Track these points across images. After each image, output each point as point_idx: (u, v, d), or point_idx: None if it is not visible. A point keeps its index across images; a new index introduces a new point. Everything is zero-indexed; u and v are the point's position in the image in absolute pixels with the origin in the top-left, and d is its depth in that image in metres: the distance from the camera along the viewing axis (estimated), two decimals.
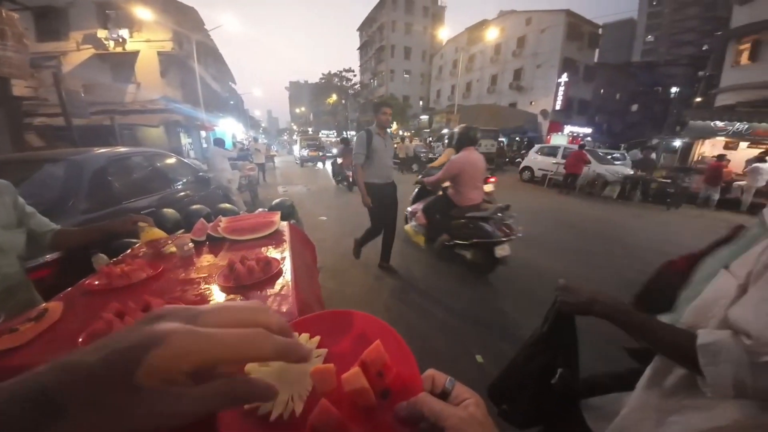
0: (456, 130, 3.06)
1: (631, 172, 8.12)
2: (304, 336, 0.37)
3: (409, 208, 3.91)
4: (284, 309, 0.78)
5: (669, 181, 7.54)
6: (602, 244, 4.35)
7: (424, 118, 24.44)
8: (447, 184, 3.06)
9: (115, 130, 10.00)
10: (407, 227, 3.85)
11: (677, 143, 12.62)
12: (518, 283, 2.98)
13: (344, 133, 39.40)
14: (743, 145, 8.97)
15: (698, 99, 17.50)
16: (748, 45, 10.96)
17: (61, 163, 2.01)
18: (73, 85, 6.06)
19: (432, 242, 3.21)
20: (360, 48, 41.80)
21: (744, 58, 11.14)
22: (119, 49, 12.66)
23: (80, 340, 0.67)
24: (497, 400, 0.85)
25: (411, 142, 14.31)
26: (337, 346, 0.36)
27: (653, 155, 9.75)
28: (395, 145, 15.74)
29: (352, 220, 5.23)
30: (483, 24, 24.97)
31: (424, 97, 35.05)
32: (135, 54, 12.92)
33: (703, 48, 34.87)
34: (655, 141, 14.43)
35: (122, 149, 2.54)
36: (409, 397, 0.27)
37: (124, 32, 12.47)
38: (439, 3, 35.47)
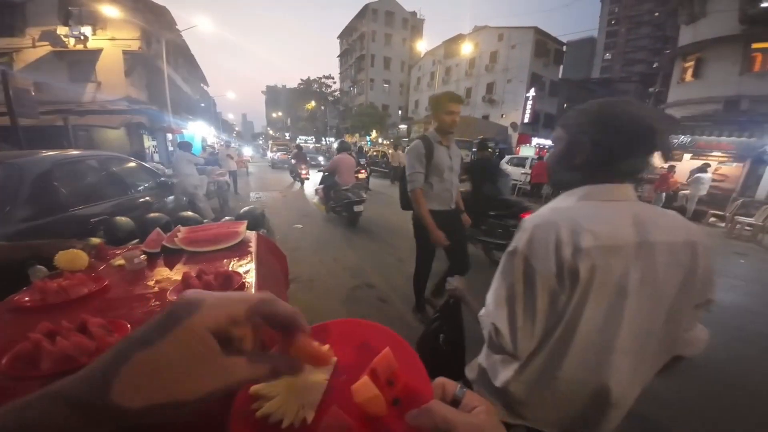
0: (336, 143, 5.57)
1: None
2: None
3: (316, 188, 6.36)
4: None
5: None
6: None
7: (403, 127, 24.92)
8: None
9: (68, 131, 9.24)
10: (314, 201, 6.75)
11: None
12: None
13: (323, 139, 39.10)
14: (687, 156, 9.94)
15: None
16: (692, 63, 12.01)
17: None
18: (22, 83, 5.53)
19: (326, 206, 5.65)
20: (340, 56, 42.04)
21: (688, 75, 12.22)
22: (80, 47, 11.81)
23: (2, 362, 0.60)
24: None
25: (399, 150, 12.49)
26: (346, 355, 0.36)
27: None
28: (382, 153, 15.76)
29: (328, 229, 5.15)
30: (459, 38, 26.06)
31: (403, 107, 35.75)
32: (97, 52, 12.11)
33: (654, 65, 38.44)
34: None
35: (72, 152, 2.35)
36: (420, 405, 0.27)
37: (86, 29, 11.66)
38: (418, 15, 36.68)
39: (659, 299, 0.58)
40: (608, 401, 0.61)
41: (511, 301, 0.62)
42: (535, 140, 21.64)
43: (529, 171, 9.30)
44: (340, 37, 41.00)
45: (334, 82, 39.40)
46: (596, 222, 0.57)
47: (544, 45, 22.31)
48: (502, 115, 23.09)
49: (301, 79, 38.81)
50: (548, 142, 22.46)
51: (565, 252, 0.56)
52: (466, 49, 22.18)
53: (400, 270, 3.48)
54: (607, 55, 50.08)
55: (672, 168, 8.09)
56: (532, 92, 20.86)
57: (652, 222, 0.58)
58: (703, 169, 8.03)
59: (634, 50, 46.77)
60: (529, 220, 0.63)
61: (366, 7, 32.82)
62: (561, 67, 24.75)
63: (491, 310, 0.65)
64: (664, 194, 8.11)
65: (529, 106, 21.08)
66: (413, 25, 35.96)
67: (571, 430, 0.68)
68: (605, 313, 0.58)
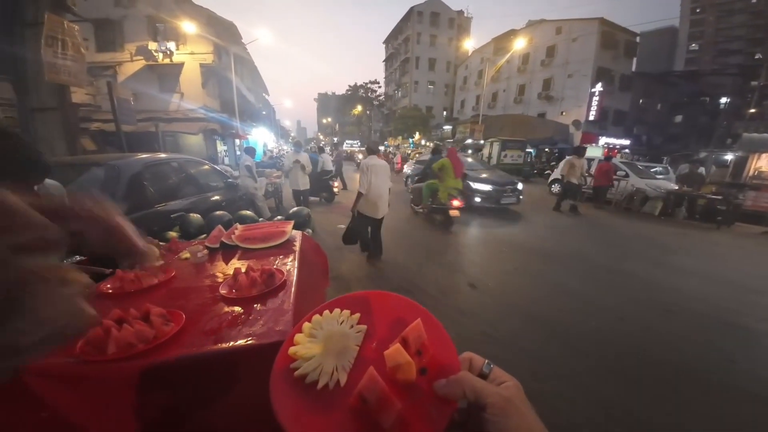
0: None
1: (675, 187, 7.46)
2: (346, 312, 0.38)
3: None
4: (278, 328, 0.74)
5: (720, 197, 6.83)
6: (639, 264, 3.96)
7: (447, 128, 24.29)
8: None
9: (159, 136, 10.79)
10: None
11: (729, 157, 11.49)
12: (533, 299, 2.78)
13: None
14: None
15: (752, 110, 15.91)
16: None
17: (103, 167, 2.16)
18: (124, 94, 6.59)
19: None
20: (385, 60, 42.75)
21: None
22: (167, 61, 13.69)
23: (77, 347, 0.66)
24: (346, 241, 3.60)
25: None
26: (377, 325, 0.37)
27: (701, 169, 8.91)
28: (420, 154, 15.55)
29: None
30: (510, 34, 24.61)
31: (448, 108, 34.93)
32: (180, 65, 13.97)
33: (755, 57, 32.11)
34: (703, 154, 13.25)
35: (159, 155, 2.70)
36: (446, 377, 0.28)
37: (171, 45, 13.45)
38: (465, 14, 35.59)
39: (385, 175, 3.40)
40: (384, 196, 3.43)
41: (362, 175, 3.28)
42: (603, 139, 19.37)
43: (593, 174, 8.19)
44: (386, 41, 41.65)
45: (380, 87, 40.12)
46: (372, 161, 3.35)
47: (611, 36, 19.92)
48: (561, 113, 21.17)
49: (349, 86, 40.30)
50: (620, 142, 19.93)
51: (367, 164, 3.30)
52: (519, 44, 20.72)
53: (441, 277, 3.35)
54: (694, 46, 42.89)
55: None
56: (598, 87, 18.78)
57: (379, 161, 3.41)
58: None
59: (727, 40, 39.52)
60: (362, 162, 3.44)
61: (411, 10, 32.82)
62: (634, 59, 21.83)
63: (360, 178, 3.30)
64: None
65: (595, 103, 19.01)
66: (460, 24, 34.93)
67: (373, 213, 3.42)
68: (378, 177, 3.31)
